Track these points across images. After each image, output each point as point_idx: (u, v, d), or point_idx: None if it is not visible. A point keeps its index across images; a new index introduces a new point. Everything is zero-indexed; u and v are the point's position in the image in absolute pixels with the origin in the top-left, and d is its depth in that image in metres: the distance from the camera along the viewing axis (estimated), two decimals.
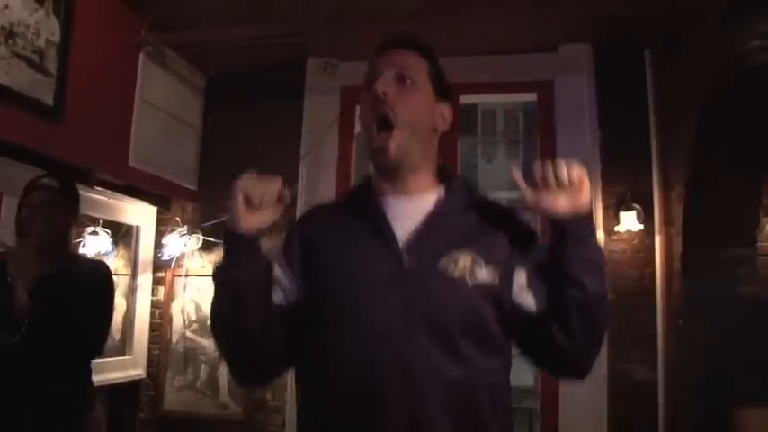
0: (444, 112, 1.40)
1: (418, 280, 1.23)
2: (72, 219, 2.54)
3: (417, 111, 1.32)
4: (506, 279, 1.27)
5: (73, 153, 3.00)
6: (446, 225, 1.30)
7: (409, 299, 1.22)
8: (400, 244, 1.28)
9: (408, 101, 1.31)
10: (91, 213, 3.57)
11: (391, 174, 1.35)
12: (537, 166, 1.25)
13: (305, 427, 1.33)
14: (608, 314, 1.30)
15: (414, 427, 1.18)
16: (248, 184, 1.29)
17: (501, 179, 13.87)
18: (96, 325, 2.53)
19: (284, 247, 1.43)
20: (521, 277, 1.29)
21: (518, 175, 1.28)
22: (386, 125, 1.30)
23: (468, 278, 1.23)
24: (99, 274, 2.58)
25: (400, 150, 1.31)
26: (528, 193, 1.27)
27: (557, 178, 1.23)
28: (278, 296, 1.35)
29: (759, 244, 3.37)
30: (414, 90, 1.33)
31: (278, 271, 1.37)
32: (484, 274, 1.24)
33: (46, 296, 2.30)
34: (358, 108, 4.12)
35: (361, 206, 1.37)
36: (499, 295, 1.26)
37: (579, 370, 1.36)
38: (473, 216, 1.34)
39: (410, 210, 1.32)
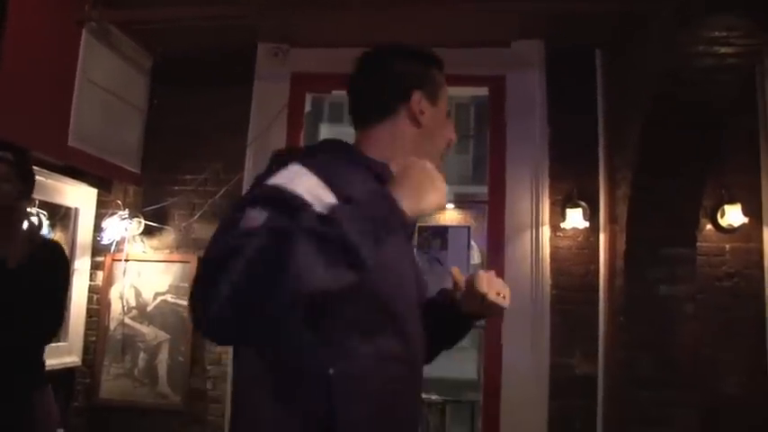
0: None
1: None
2: (23, 192, 2.43)
3: None
4: None
5: (6, 130, 2.86)
6: None
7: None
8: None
9: None
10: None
11: None
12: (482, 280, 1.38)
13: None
14: None
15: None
16: None
17: (449, 173, 13.93)
18: (51, 308, 2.46)
19: None
20: None
21: (456, 272, 1.46)
22: None
23: None
24: (54, 256, 2.52)
25: None
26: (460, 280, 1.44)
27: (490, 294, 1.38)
28: None
29: (698, 244, 3.46)
30: None
31: None
32: None
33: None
34: (308, 96, 4.12)
35: None
36: None
37: None
38: None
39: None
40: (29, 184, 2.46)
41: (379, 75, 1.42)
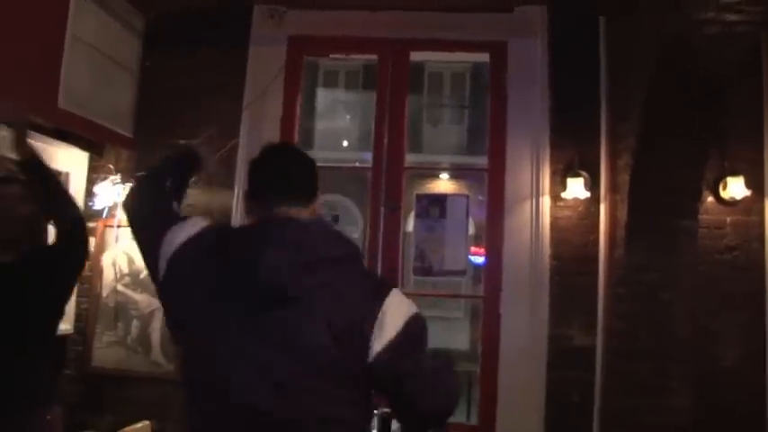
0: None
1: None
2: (35, 212, 2.40)
3: None
4: None
5: None
6: None
7: None
8: None
9: None
10: (16, 157, 3.33)
11: None
12: None
13: None
14: None
15: None
16: None
17: (445, 144, 13.88)
18: (40, 318, 2.39)
19: None
20: None
21: None
22: None
23: None
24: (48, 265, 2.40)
25: None
26: None
27: None
28: None
29: (700, 216, 3.42)
30: None
31: None
32: None
33: None
34: (305, 58, 4.03)
35: None
36: None
37: None
38: None
39: None
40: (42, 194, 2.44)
41: (312, 167, 1.67)
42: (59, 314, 2.50)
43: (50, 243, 2.49)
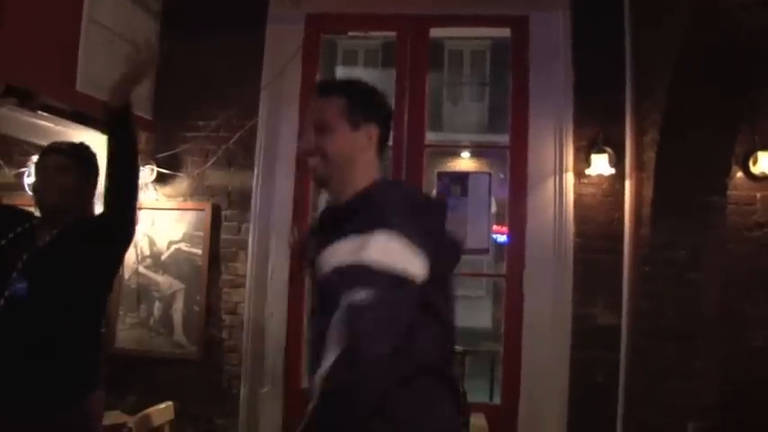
0: (368, 133, 1.63)
1: None
2: (86, 184, 2.41)
3: (333, 150, 1.58)
4: None
5: (12, 72, 2.76)
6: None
7: None
8: None
9: (325, 146, 1.59)
10: (35, 140, 3.34)
11: (325, 188, 1.67)
12: None
13: None
14: None
15: None
16: None
17: (465, 122, 13.77)
18: (91, 294, 2.33)
19: None
20: None
21: None
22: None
23: None
24: (101, 232, 2.35)
25: (325, 175, 1.61)
26: None
27: None
28: None
29: (729, 192, 3.34)
30: (329, 135, 1.59)
31: None
32: None
33: (38, 264, 2.21)
34: (323, 37, 3.98)
35: None
36: None
37: None
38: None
39: None
40: (91, 172, 2.45)
41: None
42: (109, 289, 2.47)
43: (98, 213, 2.44)
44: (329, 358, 1.23)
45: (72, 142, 2.50)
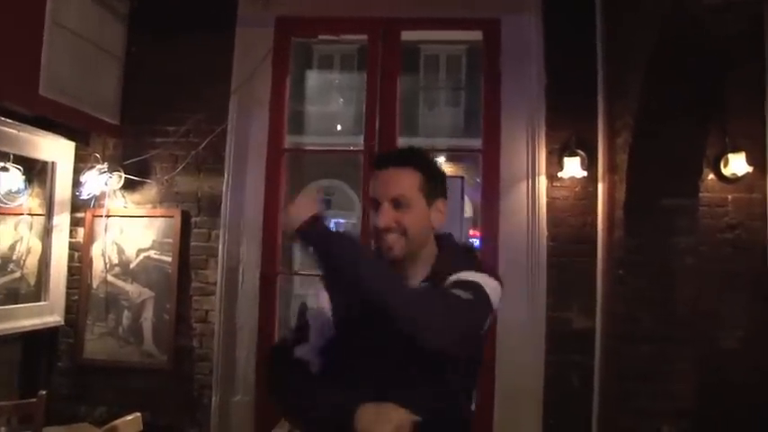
0: (439, 206, 1.68)
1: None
2: None
3: (413, 226, 1.62)
4: None
5: None
6: None
7: None
8: None
9: (405, 222, 1.61)
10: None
11: (397, 264, 1.65)
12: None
13: None
14: None
15: None
16: None
17: (441, 126, 13.76)
18: None
19: None
20: None
21: None
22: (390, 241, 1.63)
23: None
24: None
25: (401, 252, 1.62)
26: None
27: None
28: None
29: (700, 194, 3.34)
30: (409, 210, 1.61)
31: None
32: None
33: None
34: (293, 40, 3.93)
35: None
36: None
37: None
38: None
39: None
40: None
41: None
42: None
43: None
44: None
45: None
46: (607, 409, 3.38)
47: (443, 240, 1.74)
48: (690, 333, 3.20)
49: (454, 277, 1.58)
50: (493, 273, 1.65)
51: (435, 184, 1.67)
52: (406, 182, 1.62)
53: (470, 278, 1.58)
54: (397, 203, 1.61)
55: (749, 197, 3.61)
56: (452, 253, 1.71)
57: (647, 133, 3.12)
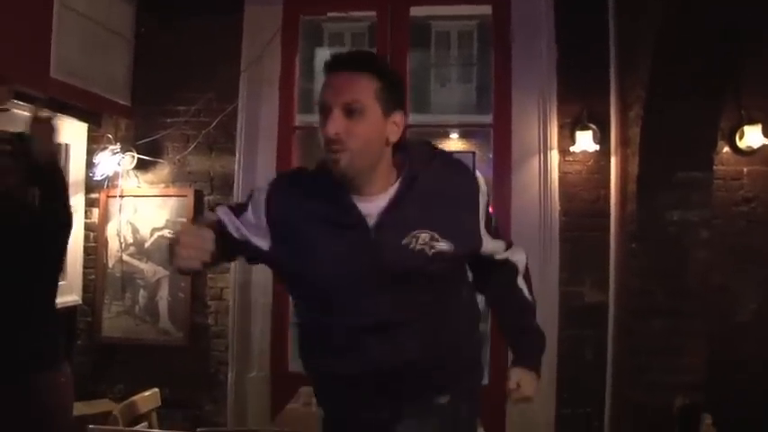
0: (396, 120, 1.49)
1: (388, 253, 1.48)
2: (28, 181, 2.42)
3: (365, 137, 1.44)
4: (464, 240, 1.56)
5: None
6: (405, 210, 1.50)
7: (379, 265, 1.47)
8: (372, 233, 1.49)
9: (357, 132, 1.43)
10: (12, 129, 3.27)
11: (348, 181, 1.48)
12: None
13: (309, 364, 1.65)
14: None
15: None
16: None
17: (453, 103, 13.68)
18: (43, 274, 2.42)
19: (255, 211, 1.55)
20: (486, 241, 1.64)
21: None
22: (338, 152, 1.44)
23: (428, 250, 1.48)
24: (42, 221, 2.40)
25: (350, 168, 1.45)
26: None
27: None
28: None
29: (715, 167, 3.31)
30: (361, 119, 1.43)
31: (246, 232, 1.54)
32: (442, 245, 1.49)
33: None
34: (302, 18, 3.91)
35: (336, 203, 1.50)
36: (458, 255, 1.54)
37: None
38: (426, 196, 1.52)
39: (371, 206, 1.50)
40: (32, 173, 2.44)
41: None
42: (58, 271, 2.53)
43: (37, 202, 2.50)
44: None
45: (13, 132, 2.57)
46: (620, 382, 3.39)
47: (409, 146, 1.57)
48: (703, 307, 3.19)
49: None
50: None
51: (394, 94, 1.48)
52: (361, 87, 1.43)
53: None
54: (350, 110, 1.42)
55: (765, 170, 3.58)
56: (419, 151, 1.57)
57: (659, 106, 3.09)
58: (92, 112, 3.80)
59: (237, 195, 3.75)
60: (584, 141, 3.48)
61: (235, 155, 3.79)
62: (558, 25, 3.62)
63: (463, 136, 12.55)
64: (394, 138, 1.49)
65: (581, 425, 3.51)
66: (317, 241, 1.49)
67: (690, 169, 3.20)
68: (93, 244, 3.93)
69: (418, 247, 1.47)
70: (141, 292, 3.87)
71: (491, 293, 1.79)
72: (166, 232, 3.84)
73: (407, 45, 3.79)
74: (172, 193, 3.86)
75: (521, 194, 3.58)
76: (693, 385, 3.09)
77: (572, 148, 3.54)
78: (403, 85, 1.55)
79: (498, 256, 1.71)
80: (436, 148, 1.63)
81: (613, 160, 3.52)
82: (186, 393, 3.74)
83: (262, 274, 3.74)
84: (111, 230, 3.90)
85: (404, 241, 1.47)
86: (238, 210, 1.55)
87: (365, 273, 1.47)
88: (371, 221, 1.49)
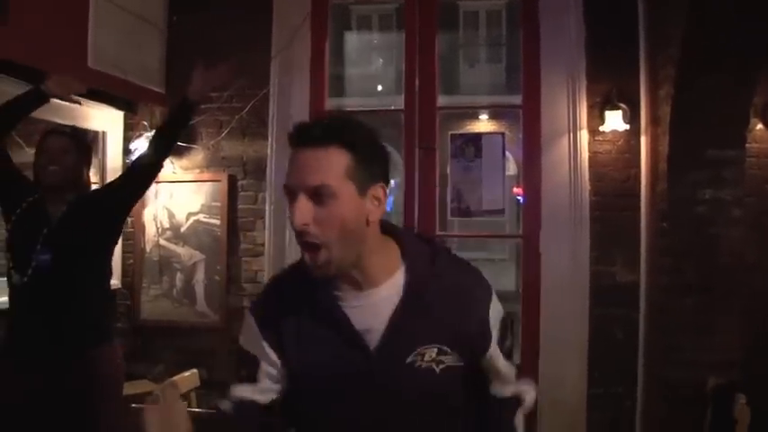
0: (377, 194, 1.28)
1: (390, 375, 1.30)
2: (83, 164, 2.68)
3: (339, 225, 1.22)
4: (472, 356, 1.37)
5: (23, 53, 2.80)
6: (410, 325, 1.31)
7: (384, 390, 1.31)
8: (371, 348, 1.30)
9: (329, 220, 1.22)
10: (53, 119, 3.38)
11: (337, 277, 1.30)
12: None
13: None
14: None
15: None
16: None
17: (482, 84, 13.62)
18: (102, 253, 2.70)
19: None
20: (495, 356, 1.41)
21: None
22: (312, 247, 1.24)
23: (435, 366, 1.31)
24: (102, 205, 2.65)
25: (331, 264, 1.25)
26: None
27: None
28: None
29: (747, 145, 3.29)
30: (332, 203, 1.21)
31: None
32: (451, 359, 1.32)
33: (57, 237, 2.50)
34: (331, 2, 3.94)
35: (324, 311, 1.33)
36: (467, 370, 1.37)
37: None
38: (435, 305, 1.33)
39: (367, 312, 1.31)
40: (87, 155, 2.75)
41: None
42: (111, 252, 2.77)
43: (93, 189, 2.83)
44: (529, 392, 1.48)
45: (71, 127, 2.87)
46: (652, 361, 3.40)
47: (398, 234, 1.37)
48: (736, 285, 3.18)
49: (500, 315, 1.40)
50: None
51: (371, 167, 1.25)
52: (328, 166, 1.21)
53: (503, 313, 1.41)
54: (317, 195, 1.20)
55: None
56: (414, 245, 1.37)
57: (690, 84, 3.07)
58: (128, 100, 3.89)
59: (270, 180, 3.82)
60: (614, 121, 3.47)
61: (267, 139, 3.85)
62: (586, 2, 3.58)
63: (493, 117, 12.52)
64: (374, 217, 1.27)
65: (613, 405, 3.53)
66: (311, 362, 1.32)
67: (721, 147, 3.18)
68: (131, 229, 4.03)
69: (425, 365, 1.30)
70: (178, 275, 3.97)
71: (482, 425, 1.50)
72: (201, 216, 3.93)
73: (436, 26, 3.80)
74: (206, 178, 3.94)
75: (551, 175, 3.58)
76: (727, 364, 3.08)
77: (602, 128, 3.52)
78: (383, 153, 1.30)
79: (506, 391, 1.45)
80: (431, 241, 1.43)
81: (643, 139, 3.50)
82: (224, 374, 3.78)
83: (295, 257, 3.80)
84: (147, 216, 4.01)
85: (408, 359, 1.30)
86: (252, 377, 1.42)
87: (363, 394, 1.30)
88: (372, 338, 1.30)
